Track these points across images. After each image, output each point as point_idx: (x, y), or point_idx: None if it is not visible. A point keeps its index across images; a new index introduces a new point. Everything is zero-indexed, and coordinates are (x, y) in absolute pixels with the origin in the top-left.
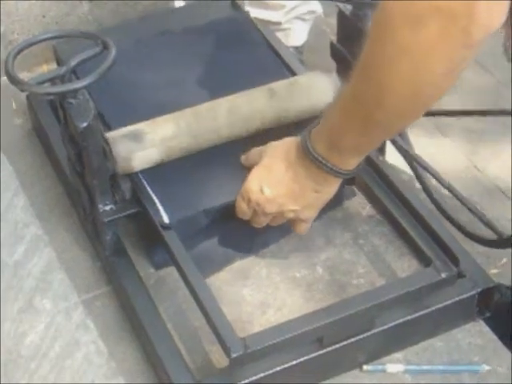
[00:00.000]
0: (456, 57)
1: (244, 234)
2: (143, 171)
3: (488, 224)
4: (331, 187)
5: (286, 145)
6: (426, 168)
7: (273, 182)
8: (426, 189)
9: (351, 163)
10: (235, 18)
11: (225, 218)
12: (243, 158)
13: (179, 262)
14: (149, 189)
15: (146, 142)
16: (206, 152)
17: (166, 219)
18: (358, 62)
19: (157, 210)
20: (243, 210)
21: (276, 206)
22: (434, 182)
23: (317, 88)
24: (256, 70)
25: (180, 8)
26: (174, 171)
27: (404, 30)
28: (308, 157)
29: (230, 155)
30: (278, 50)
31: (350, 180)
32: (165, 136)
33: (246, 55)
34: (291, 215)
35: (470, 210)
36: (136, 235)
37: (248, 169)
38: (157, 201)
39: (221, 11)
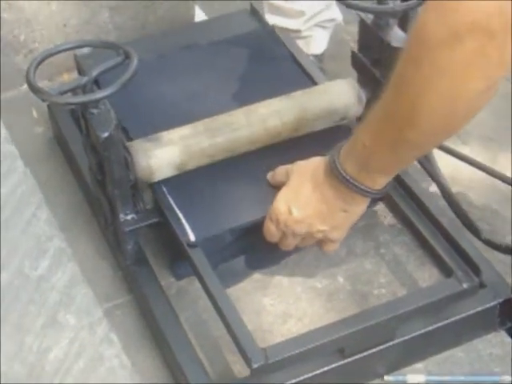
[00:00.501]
0: (493, 74)
1: (266, 246)
2: (166, 184)
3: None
4: (360, 207)
5: (314, 164)
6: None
7: (301, 203)
8: (445, 196)
9: (380, 182)
10: (258, 31)
11: (250, 234)
12: (269, 175)
13: (203, 277)
14: (174, 205)
15: (166, 146)
16: (229, 164)
17: (192, 237)
18: (391, 80)
19: (182, 228)
20: (272, 232)
21: (305, 226)
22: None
23: (337, 91)
24: (279, 83)
25: (203, 22)
26: (198, 185)
27: (441, 48)
28: (337, 177)
29: (253, 168)
30: (304, 64)
31: (378, 198)
32: (183, 135)
33: (270, 69)
34: (320, 236)
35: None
36: (157, 244)
37: (274, 186)
38: (182, 218)
39: (243, 24)
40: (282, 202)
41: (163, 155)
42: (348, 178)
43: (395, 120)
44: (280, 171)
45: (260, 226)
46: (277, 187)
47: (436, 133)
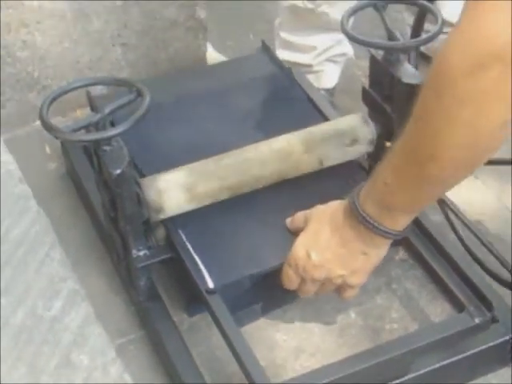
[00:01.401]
0: None
1: (284, 290)
2: (184, 227)
3: (506, 266)
4: (380, 249)
5: (332, 208)
6: (454, 210)
7: (320, 247)
8: (454, 230)
9: (401, 223)
10: (274, 73)
11: (268, 279)
12: (288, 221)
13: (221, 323)
14: (191, 249)
15: (177, 182)
16: (246, 206)
17: (210, 284)
18: (412, 114)
19: (201, 274)
20: (291, 278)
21: (324, 271)
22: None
23: (345, 119)
24: (294, 123)
25: (218, 64)
26: (216, 228)
27: (462, 77)
28: (357, 218)
29: (271, 211)
30: (320, 105)
31: (398, 241)
32: (194, 171)
33: (285, 110)
34: (339, 281)
35: (491, 252)
36: (170, 279)
37: (293, 232)
38: (201, 264)
39: (259, 66)
40: (301, 247)
41: (174, 191)
42: (367, 217)
43: (417, 154)
44: (298, 217)
45: (279, 271)
46: (296, 233)
47: (458, 166)
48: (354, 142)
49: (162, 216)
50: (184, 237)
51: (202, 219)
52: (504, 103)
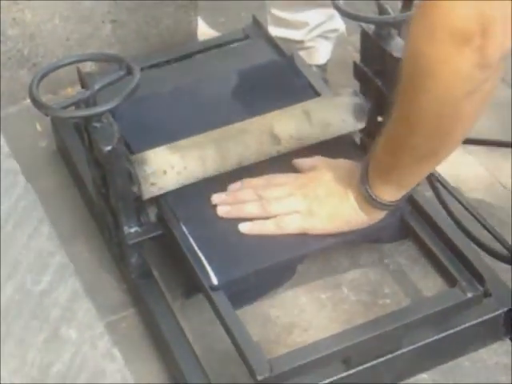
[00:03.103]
0: (473, 77)
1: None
2: (188, 225)
3: (498, 239)
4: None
5: (349, 166)
6: (445, 185)
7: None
8: (445, 206)
9: (390, 194)
10: (275, 60)
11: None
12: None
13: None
14: (194, 245)
15: (168, 156)
16: None
17: (214, 281)
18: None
19: (204, 270)
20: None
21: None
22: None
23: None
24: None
25: (209, 41)
26: (218, 222)
27: (423, 48)
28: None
29: None
30: (312, 82)
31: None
32: (186, 145)
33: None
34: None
35: (481, 223)
36: (162, 256)
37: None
38: (204, 260)
39: (259, 51)
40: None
41: (165, 167)
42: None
43: (398, 126)
44: (306, 162)
45: (287, 266)
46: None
47: (432, 136)
48: (346, 117)
49: (154, 192)
50: (191, 239)
51: (205, 214)
52: (460, 75)
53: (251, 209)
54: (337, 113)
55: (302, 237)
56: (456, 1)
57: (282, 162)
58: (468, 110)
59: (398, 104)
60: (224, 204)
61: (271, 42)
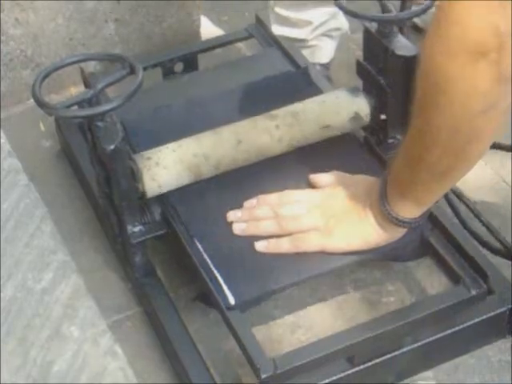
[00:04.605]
0: (489, 92)
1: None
2: (202, 240)
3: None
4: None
5: (367, 182)
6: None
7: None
8: (449, 203)
9: (408, 211)
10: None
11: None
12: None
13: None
14: (211, 263)
15: (171, 155)
16: None
17: (232, 301)
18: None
19: (221, 290)
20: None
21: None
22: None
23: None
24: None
25: (212, 40)
26: (234, 241)
27: (438, 63)
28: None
29: None
30: (315, 80)
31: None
32: (189, 145)
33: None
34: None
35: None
36: (166, 255)
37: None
38: (221, 279)
39: (273, 64)
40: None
41: (169, 165)
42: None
43: (415, 142)
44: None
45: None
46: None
47: (447, 153)
48: (349, 115)
49: (158, 191)
50: (207, 257)
51: (220, 230)
52: (476, 90)
53: (267, 226)
54: (339, 110)
55: (319, 255)
56: (471, 15)
57: (293, 170)
58: (484, 126)
59: (414, 120)
60: (240, 221)
61: (285, 52)
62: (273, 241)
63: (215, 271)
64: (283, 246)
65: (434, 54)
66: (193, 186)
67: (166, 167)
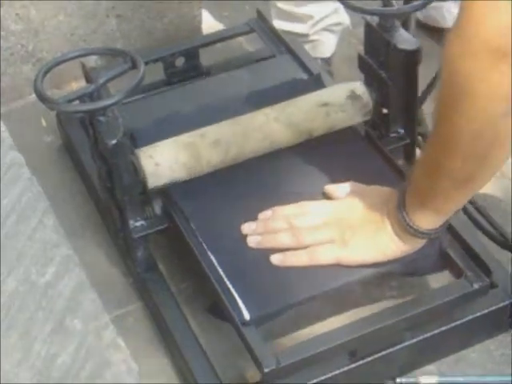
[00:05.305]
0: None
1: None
2: (218, 255)
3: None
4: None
5: (385, 192)
6: None
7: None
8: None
9: (426, 220)
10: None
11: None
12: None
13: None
14: (225, 277)
15: (172, 149)
16: None
17: (246, 316)
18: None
19: (236, 305)
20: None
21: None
22: None
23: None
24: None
25: (212, 34)
26: (249, 255)
27: (460, 66)
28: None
29: None
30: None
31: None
32: (190, 139)
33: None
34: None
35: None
36: (167, 250)
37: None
38: (235, 294)
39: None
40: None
41: (170, 160)
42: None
43: (435, 147)
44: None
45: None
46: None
47: (468, 159)
48: (346, 93)
49: (159, 185)
50: (222, 271)
51: (234, 243)
52: (499, 93)
53: (283, 239)
54: (335, 90)
55: (337, 268)
56: (491, 16)
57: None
58: (506, 130)
59: (435, 126)
60: (255, 234)
61: (297, 59)
62: (289, 254)
63: (229, 285)
64: (299, 259)
65: (455, 56)
66: (195, 180)
67: (167, 161)
